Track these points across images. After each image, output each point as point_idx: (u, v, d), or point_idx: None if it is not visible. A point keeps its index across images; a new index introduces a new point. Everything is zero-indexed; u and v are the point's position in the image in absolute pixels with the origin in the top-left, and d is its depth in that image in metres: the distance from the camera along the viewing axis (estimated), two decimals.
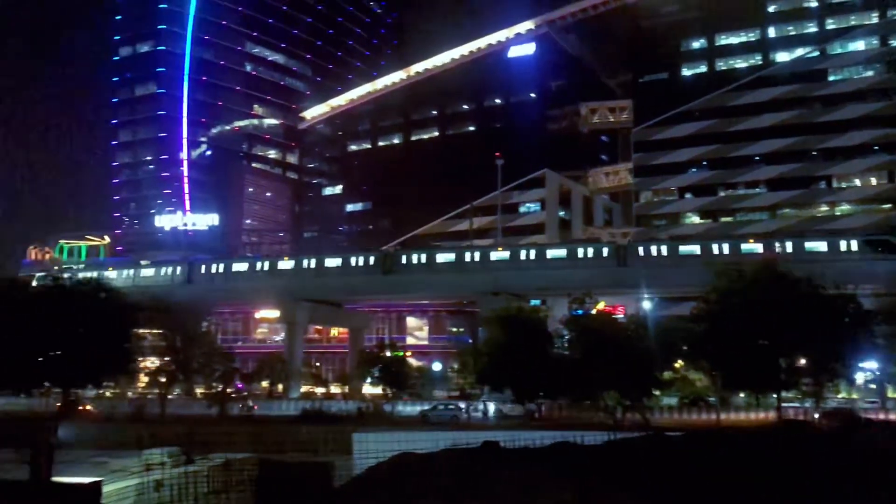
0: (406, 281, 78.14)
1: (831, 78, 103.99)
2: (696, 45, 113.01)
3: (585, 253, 75.61)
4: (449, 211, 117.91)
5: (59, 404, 59.58)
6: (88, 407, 62.46)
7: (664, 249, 74.48)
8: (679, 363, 56.86)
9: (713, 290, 50.66)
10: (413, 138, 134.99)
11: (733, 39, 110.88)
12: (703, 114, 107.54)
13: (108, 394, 72.59)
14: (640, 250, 74.97)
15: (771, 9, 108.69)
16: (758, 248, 71.40)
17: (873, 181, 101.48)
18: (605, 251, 75.71)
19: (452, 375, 74.70)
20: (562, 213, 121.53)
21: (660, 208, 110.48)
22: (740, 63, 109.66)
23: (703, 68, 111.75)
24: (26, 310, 55.44)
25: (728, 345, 47.25)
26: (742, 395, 57.97)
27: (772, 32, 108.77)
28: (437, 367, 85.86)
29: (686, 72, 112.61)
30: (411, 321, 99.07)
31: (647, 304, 79.73)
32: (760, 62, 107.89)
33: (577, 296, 56.20)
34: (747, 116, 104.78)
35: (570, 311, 55.66)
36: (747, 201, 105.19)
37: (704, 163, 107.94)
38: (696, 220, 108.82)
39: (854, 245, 69.76)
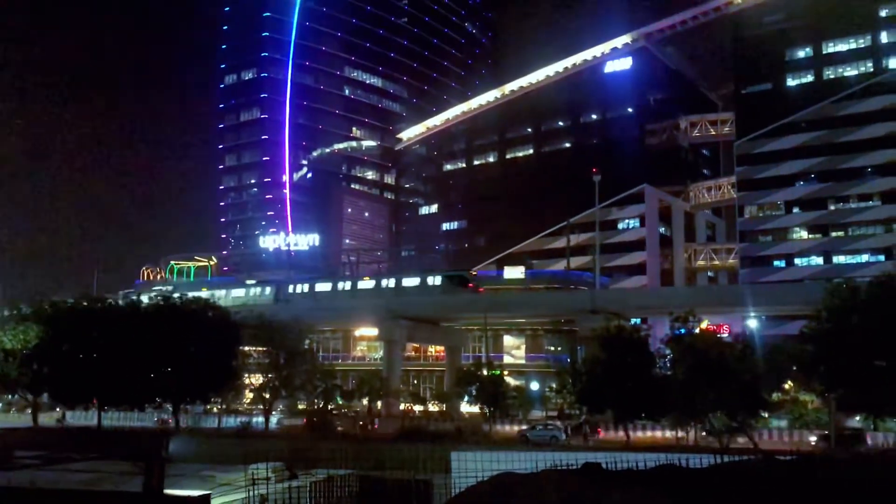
0: (503, 300, 78.07)
1: None
2: (801, 53, 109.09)
3: None
4: (545, 229, 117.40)
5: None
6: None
7: None
8: (789, 384, 54.74)
9: (825, 308, 48.50)
10: (508, 156, 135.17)
11: (842, 47, 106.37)
12: (809, 125, 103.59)
13: (215, 409, 75.01)
14: None
15: (882, 13, 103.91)
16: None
17: None
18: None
19: (550, 395, 73.94)
20: (662, 230, 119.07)
21: (765, 223, 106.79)
22: (849, 71, 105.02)
23: (809, 77, 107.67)
24: (138, 328, 57.80)
25: (843, 366, 45.07)
26: (858, 418, 55.10)
27: (884, 38, 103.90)
28: (534, 386, 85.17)
29: (791, 82, 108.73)
30: (508, 339, 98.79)
31: (752, 323, 77.06)
32: (871, 69, 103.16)
33: (679, 314, 54.78)
34: (857, 126, 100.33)
35: (673, 331, 54.29)
36: (860, 215, 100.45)
37: (812, 175, 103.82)
38: (804, 234, 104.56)
39: None
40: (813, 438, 51.14)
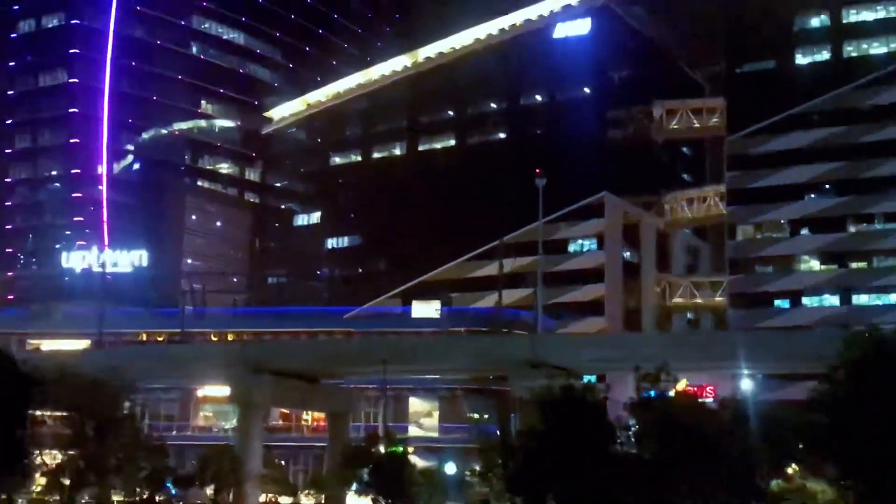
0: (410, 348, 77.87)
1: None
2: (815, 22, 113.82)
3: None
4: (470, 250, 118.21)
5: None
6: None
7: None
8: (793, 468, 56.14)
9: (843, 365, 50.04)
10: (421, 149, 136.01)
11: (867, 15, 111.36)
12: (825, 118, 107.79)
13: None
14: None
15: None
16: None
17: None
18: None
19: (473, 480, 73.88)
20: (627, 255, 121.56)
21: (764, 249, 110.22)
22: (877, 47, 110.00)
23: (824, 55, 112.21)
24: None
25: (866, 443, 46.42)
26: None
27: None
28: (450, 468, 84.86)
29: (801, 59, 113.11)
30: (416, 403, 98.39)
31: (746, 384, 78.86)
32: None
33: (648, 370, 55.73)
34: (887, 121, 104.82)
35: (639, 393, 55.15)
36: (889, 240, 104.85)
37: (827, 186, 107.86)
38: (815, 265, 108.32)
39: None
40: None
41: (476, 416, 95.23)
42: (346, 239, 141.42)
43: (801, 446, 52.50)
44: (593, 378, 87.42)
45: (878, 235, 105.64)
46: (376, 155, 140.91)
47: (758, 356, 71.63)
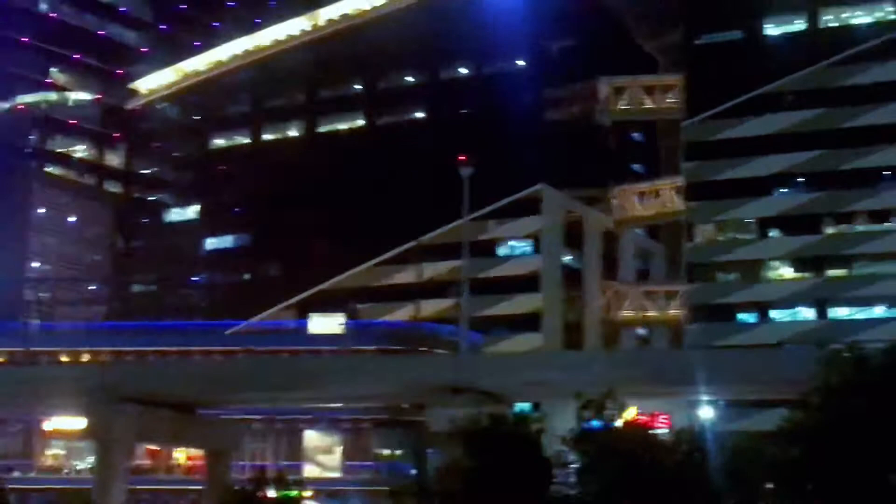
0: (307, 370, 77.27)
1: None
2: None
3: None
4: (380, 252, 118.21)
5: None
6: None
7: None
8: None
9: (818, 390, 50.95)
10: (322, 129, 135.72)
11: None
12: (799, 99, 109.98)
13: None
14: None
15: None
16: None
17: None
18: None
19: None
20: (568, 259, 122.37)
21: (727, 253, 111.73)
22: (860, 16, 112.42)
23: (799, 25, 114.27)
24: None
25: (845, 480, 47.34)
26: None
27: None
28: None
29: (772, 29, 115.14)
30: (313, 438, 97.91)
31: (706, 412, 79.70)
32: (893, 16, 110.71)
33: (592, 396, 56.15)
34: (871, 104, 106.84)
35: (582, 423, 55.53)
36: (871, 243, 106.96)
37: (800, 179, 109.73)
38: (787, 272, 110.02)
39: None
40: None
41: (386, 452, 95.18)
42: (229, 238, 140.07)
43: (770, 484, 53.42)
44: (527, 406, 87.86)
45: (860, 238, 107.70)
46: (267, 136, 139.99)
47: (719, 379, 72.30)
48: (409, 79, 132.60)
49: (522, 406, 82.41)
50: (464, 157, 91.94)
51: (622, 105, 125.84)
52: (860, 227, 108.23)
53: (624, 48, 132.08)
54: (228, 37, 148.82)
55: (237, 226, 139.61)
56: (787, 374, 56.41)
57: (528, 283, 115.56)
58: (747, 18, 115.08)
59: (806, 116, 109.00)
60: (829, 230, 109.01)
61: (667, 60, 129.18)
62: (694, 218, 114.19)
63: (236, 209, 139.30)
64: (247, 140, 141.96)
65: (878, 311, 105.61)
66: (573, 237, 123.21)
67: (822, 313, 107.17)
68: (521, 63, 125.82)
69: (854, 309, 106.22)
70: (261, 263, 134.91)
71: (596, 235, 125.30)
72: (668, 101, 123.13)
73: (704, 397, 76.02)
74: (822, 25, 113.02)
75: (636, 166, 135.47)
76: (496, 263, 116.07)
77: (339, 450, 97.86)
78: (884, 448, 47.56)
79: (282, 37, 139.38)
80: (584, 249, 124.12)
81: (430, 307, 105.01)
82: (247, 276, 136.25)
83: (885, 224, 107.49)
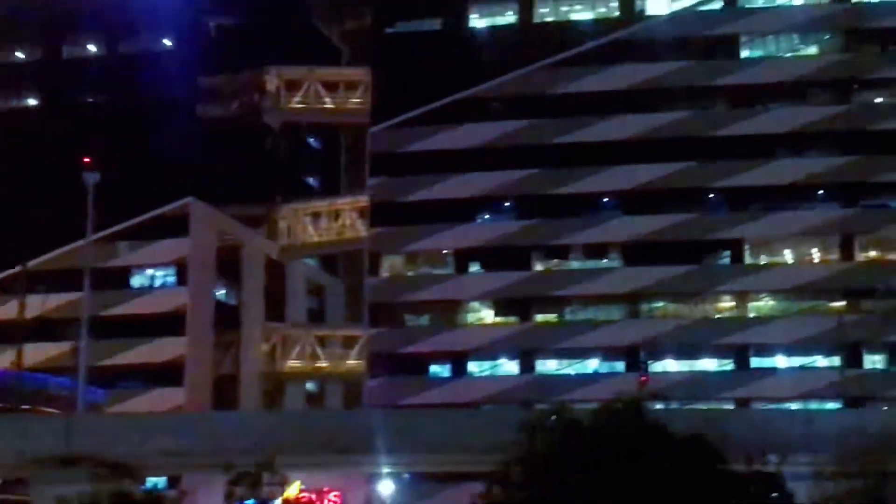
0: None
1: (745, 53, 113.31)
2: None
3: None
4: None
5: None
6: None
7: None
8: None
9: (521, 461, 52.04)
10: None
11: None
12: (509, 106, 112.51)
13: None
14: None
15: None
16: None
17: (815, 254, 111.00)
18: None
19: None
20: (222, 294, 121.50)
21: (418, 291, 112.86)
22: (580, 11, 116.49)
23: (510, 17, 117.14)
24: None
25: None
26: None
27: None
28: None
29: (478, 20, 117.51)
30: None
31: (386, 487, 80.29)
32: (618, 13, 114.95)
33: (247, 468, 55.75)
34: (594, 116, 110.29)
35: (233, 502, 55.16)
36: (588, 282, 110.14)
37: (508, 203, 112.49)
38: (487, 316, 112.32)
39: None
40: None
41: None
42: None
43: None
44: (163, 481, 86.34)
45: (574, 276, 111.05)
46: None
47: (404, 447, 72.97)
48: (20, 55, 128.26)
49: (156, 481, 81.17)
50: (88, 160, 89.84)
51: (296, 103, 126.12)
52: (575, 264, 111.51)
53: (299, 32, 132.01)
54: None
55: None
56: (485, 440, 57.24)
57: (169, 324, 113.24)
58: (449, 4, 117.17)
59: (516, 127, 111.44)
60: (539, 266, 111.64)
61: (352, 51, 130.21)
62: (379, 246, 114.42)
63: None
64: None
65: (593, 364, 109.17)
66: (229, 266, 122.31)
67: (527, 366, 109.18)
68: (167, 42, 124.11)
69: (564, 362, 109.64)
70: None
71: (258, 265, 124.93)
72: (352, 100, 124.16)
73: (386, 469, 76.59)
74: (537, 20, 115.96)
75: (311, 180, 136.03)
76: (128, 298, 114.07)
77: None
78: None
79: None
80: (243, 282, 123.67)
81: (37, 353, 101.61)
82: None
83: (604, 261, 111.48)
